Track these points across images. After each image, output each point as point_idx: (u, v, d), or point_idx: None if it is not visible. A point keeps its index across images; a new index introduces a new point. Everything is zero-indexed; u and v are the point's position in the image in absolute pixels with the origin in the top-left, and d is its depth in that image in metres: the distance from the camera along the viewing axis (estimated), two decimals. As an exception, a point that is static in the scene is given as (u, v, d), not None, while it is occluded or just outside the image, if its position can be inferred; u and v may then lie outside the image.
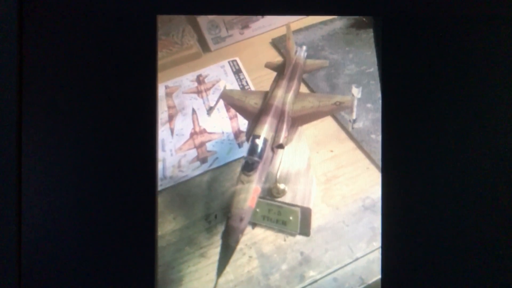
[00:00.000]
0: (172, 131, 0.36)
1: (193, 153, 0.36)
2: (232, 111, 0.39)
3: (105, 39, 0.34)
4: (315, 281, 0.34)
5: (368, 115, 0.39)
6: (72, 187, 0.33)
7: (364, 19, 0.41)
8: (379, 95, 0.39)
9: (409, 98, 0.36)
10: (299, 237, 0.35)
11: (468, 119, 0.36)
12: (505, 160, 0.35)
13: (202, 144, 0.37)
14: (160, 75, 0.38)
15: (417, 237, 0.35)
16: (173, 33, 0.38)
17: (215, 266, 0.31)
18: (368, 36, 0.43)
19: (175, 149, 0.36)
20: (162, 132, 0.36)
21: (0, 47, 0.33)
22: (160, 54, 0.38)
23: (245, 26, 0.40)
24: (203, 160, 0.36)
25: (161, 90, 0.37)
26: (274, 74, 0.40)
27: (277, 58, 0.41)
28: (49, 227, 0.33)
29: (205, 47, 0.40)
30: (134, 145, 0.34)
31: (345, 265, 0.34)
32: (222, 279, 0.34)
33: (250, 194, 0.31)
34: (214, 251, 0.34)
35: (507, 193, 0.35)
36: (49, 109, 0.34)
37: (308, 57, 0.40)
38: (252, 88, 0.40)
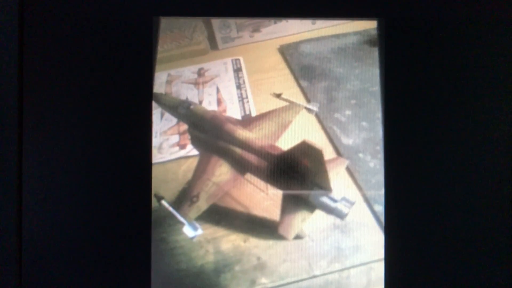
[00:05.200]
0: (162, 114, 0.38)
1: (175, 138, 0.38)
2: (223, 105, 0.39)
3: (103, 39, 0.36)
4: (265, 289, 0.32)
5: (361, 133, 0.37)
6: (70, 181, 0.35)
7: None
8: (378, 115, 0.37)
9: (412, 111, 0.35)
10: (259, 242, 0.34)
11: (475, 134, 0.35)
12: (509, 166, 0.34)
13: (186, 131, 0.38)
14: (165, 66, 0.40)
15: (419, 252, 0.34)
16: (184, 28, 0.40)
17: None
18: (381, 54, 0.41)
19: (160, 132, 0.38)
20: (153, 115, 0.38)
21: (0, 50, 0.36)
22: (169, 46, 0.41)
23: (256, 30, 0.41)
24: (183, 147, 0.37)
25: (163, 77, 0.39)
26: (275, 78, 0.40)
27: (281, 65, 0.41)
28: (49, 225, 0.35)
29: (213, 44, 0.42)
30: (128, 148, 0.36)
31: (300, 280, 0.32)
32: (174, 267, 0.33)
33: None
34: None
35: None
36: (50, 105, 0.36)
37: (312, 67, 0.40)
38: (248, 89, 0.40)
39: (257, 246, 0.34)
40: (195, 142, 0.38)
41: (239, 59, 0.41)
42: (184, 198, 0.35)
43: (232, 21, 0.41)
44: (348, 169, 0.36)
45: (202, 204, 0.35)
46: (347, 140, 0.37)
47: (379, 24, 0.38)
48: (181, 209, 0.35)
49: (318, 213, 0.35)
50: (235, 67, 0.41)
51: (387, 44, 0.37)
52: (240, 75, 0.41)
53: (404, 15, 0.37)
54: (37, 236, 0.34)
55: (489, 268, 0.34)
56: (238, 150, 0.37)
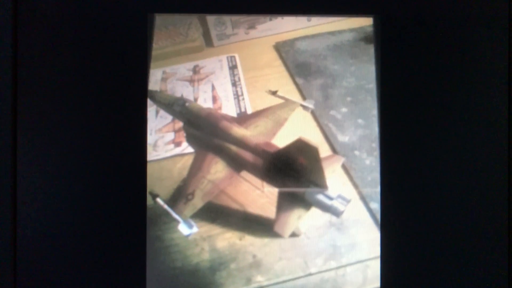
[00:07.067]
0: (157, 112, 0.38)
1: (170, 135, 0.37)
2: (218, 102, 0.39)
3: (97, 36, 0.36)
4: (261, 287, 0.32)
5: (357, 130, 0.37)
6: (64, 178, 0.35)
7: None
8: (374, 112, 0.37)
9: (408, 105, 0.36)
10: (255, 240, 0.34)
11: (471, 130, 0.35)
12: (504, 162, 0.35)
13: (181, 129, 0.38)
14: (160, 63, 0.40)
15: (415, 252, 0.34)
16: (179, 25, 0.40)
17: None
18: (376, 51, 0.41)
19: (155, 130, 0.37)
20: (148, 113, 0.38)
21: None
22: (164, 43, 0.40)
23: (252, 27, 0.41)
24: (178, 144, 0.37)
25: (158, 74, 0.39)
26: (270, 76, 0.40)
27: (276, 62, 0.41)
28: (43, 222, 0.35)
29: (208, 41, 0.41)
30: (123, 145, 0.35)
31: (296, 278, 0.32)
32: (169, 265, 0.33)
33: None
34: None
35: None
36: (44, 103, 0.36)
37: (307, 64, 0.40)
38: (243, 86, 0.40)
39: (252, 244, 0.34)
40: (190, 140, 0.38)
41: (234, 56, 0.41)
42: (179, 196, 0.35)
43: (227, 18, 0.41)
44: (344, 167, 0.36)
45: (198, 202, 0.35)
46: (343, 138, 0.37)
47: (375, 21, 0.38)
48: (176, 207, 0.35)
49: (314, 210, 0.35)
50: (230, 64, 0.41)
51: (383, 41, 0.37)
52: (235, 72, 0.41)
53: (400, 12, 0.37)
54: (32, 234, 0.34)
55: (484, 266, 0.34)
56: (233, 148, 0.37)
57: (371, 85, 0.38)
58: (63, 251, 0.34)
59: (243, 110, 0.40)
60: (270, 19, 0.41)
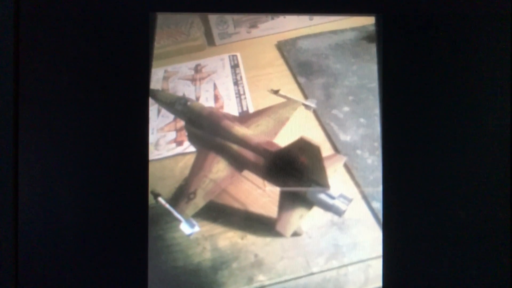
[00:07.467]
0: (159, 111, 0.38)
1: (172, 135, 0.37)
2: (220, 101, 0.39)
3: (99, 35, 0.36)
4: (263, 286, 0.32)
5: (358, 129, 0.37)
6: (66, 177, 0.35)
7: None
8: (376, 111, 0.37)
9: (410, 108, 0.35)
10: (257, 239, 0.34)
11: (473, 129, 0.35)
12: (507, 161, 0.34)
13: (183, 128, 0.38)
14: (162, 62, 0.40)
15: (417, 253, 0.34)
16: (181, 24, 0.40)
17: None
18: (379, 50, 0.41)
19: (157, 129, 0.37)
20: (150, 112, 0.38)
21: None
22: (166, 42, 0.40)
23: (253, 26, 0.41)
24: (180, 143, 0.37)
25: (160, 73, 0.39)
26: (272, 75, 0.40)
27: (278, 61, 0.41)
28: (45, 222, 0.34)
29: (210, 40, 0.41)
30: (125, 144, 0.35)
31: (298, 278, 0.32)
32: (171, 265, 0.33)
33: None
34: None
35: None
36: (46, 102, 0.35)
37: (309, 63, 0.40)
38: (245, 85, 0.40)
39: (254, 243, 0.34)
40: (192, 139, 0.38)
41: (236, 55, 0.41)
42: (181, 195, 0.35)
43: (229, 17, 0.41)
44: (346, 166, 0.36)
45: (199, 201, 0.35)
46: (345, 137, 0.37)
47: (377, 20, 0.38)
48: (178, 206, 0.35)
49: (316, 210, 0.35)
50: (232, 63, 0.41)
51: (385, 40, 0.37)
52: (237, 71, 0.41)
53: (402, 11, 0.37)
54: (33, 233, 0.34)
55: (486, 265, 0.34)
56: (235, 147, 0.37)
57: (373, 84, 0.38)
58: (64, 251, 0.34)
59: (245, 109, 0.40)
60: (272, 18, 0.41)
